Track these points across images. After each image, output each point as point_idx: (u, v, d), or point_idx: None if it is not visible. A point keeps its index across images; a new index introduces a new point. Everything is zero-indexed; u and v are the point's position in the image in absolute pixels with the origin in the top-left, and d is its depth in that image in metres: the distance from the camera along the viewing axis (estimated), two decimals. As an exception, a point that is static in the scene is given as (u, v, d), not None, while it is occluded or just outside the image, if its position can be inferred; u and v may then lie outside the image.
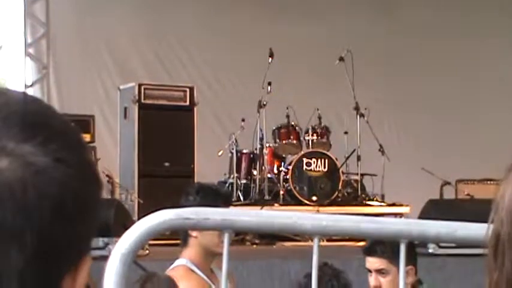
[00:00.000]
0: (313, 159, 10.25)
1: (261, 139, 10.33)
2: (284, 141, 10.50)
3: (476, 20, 12.87)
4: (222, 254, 1.57)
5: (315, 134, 10.57)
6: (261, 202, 9.84)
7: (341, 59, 10.63)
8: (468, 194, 10.37)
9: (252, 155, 10.43)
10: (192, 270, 4.03)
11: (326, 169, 10.24)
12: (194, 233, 3.99)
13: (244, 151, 10.43)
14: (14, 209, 0.86)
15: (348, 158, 10.69)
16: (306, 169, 10.22)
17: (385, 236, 1.70)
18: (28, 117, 0.90)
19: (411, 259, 3.95)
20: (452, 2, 12.83)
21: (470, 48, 12.90)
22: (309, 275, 4.34)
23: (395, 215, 10.17)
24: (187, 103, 10.14)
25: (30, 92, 10.91)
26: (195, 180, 9.52)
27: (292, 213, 1.54)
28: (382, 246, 4.03)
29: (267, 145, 10.38)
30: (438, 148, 12.21)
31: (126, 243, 1.70)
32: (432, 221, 1.81)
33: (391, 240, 3.13)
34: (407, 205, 10.25)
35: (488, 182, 11.06)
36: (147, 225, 1.69)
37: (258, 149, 10.34)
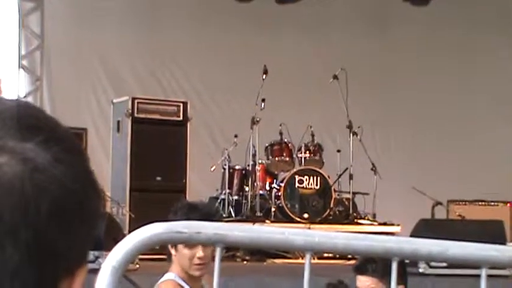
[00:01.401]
0: (306, 177, 10.25)
1: (254, 155, 10.33)
2: (277, 158, 10.50)
3: (471, 37, 12.92)
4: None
5: (307, 152, 10.58)
6: (252, 218, 9.82)
7: (335, 77, 10.65)
8: (460, 215, 10.38)
9: (244, 171, 10.42)
10: (181, 285, 4.01)
11: (318, 187, 10.24)
12: (173, 251, 4.00)
13: (237, 167, 10.43)
14: (11, 203, 0.86)
15: (340, 176, 10.69)
16: (298, 186, 10.21)
17: (377, 254, 1.69)
18: (28, 119, 0.90)
19: (402, 278, 3.94)
20: (445, 19, 12.88)
21: (465, 66, 12.95)
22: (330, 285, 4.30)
23: (386, 234, 10.16)
24: (181, 118, 10.13)
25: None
26: (187, 195, 9.52)
27: (285, 229, 1.53)
28: (373, 264, 4.02)
29: (260, 162, 10.38)
30: (430, 168, 12.22)
31: (117, 257, 1.69)
32: (424, 239, 1.80)
33: (382, 259, 3.13)
34: (398, 224, 10.25)
35: (480, 203, 11.08)
36: (138, 238, 1.68)
37: (250, 165, 10.34)
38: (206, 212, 4.07)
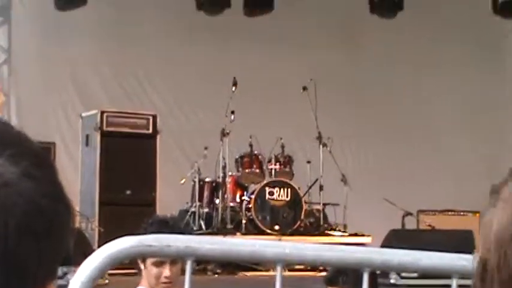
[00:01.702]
0: (276, 189, 10.25)
1: (224, 168, 10.31)
2: (247, 170, 10.49)
3: (437, 48, 13.02)
4: None
5: (277, 163, 10.58)
6: (223, 231, 9.80)
7: (304, 88, 10.68)
8: (429, 225, 10.43)
9: (214, 184, 10.40)
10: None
11: (289, 198, 10.24)
12: (142, 266, 3.99)
13: (207, 180, 10.40)
14: None
15: (310, 187, 10.70)
16: (268, 198, 10.21)
17: (347, 265, 1.69)
18: None
19: (373, 289, 3.94)
20: (413, 30, 12.96)
21: (434, 79, 13.05)
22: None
23: (357, 245, 10.19)
24: (150, 131, 10.10)
25: (-9, 118, 10.79)
26: (157, 209, 9.48)
27: (256, 241, 1.52)
28: (344, 276, 4.02)
29: (230, 174, 10.37)
30: (400, 178, 12.27)
31: (86, 271, 1.68)
32: (395, 250, 1.80)
33: (353, 270, 3.13)
34: (369, 235, 10.28)
35: (449, 213, 11.15)
36: (108, 252, 1.67)
37: (220, 177, 10.32)
38: (176, 226, 4.06)
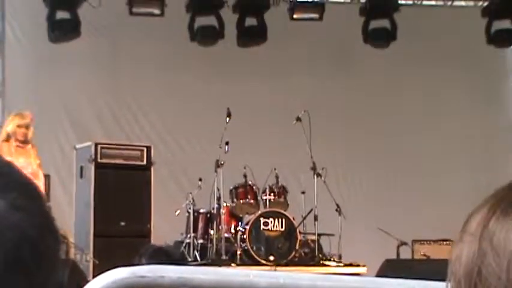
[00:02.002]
0: (271, 219, 10.22)
1: (218, 199, 10.30)
2: (241, 201, 10.48)
3: (432, 76, 13.07)
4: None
5: (272, 194, 10.57)
6: (218, 262, 9.76)
7: (298, 119, 10.69)
8: (424, 254, 10.41)
9: (209, 215, 10.38)
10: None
11: (283, 229, 10.21)
12: None
13: (201, 211, 10.38)
14: None
15: (305, 217, 10.68)
16: (263, 229, 10.18)
17: (342, 295, 1.68)
18: None
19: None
20: (409, 62, 13.02)
21: (427, 108, 13.09)
22: None
23: (352, 275, 10.15)
24: (144, 162, 10.10)
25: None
26: (152, 240, 9.45)
27: (250, 271, 1.52)
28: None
29: (224, 204, 10.35)
30: (395, 208, 12.26)
31: (80, 303, 1.67)
32: (390, 279, 1.80)
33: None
34: (364, 265, 10.24)
35: (444, 243, 11.13)
36: (101, 284, 1.66)
37: (215, 208, 10.30)
38: (171, 255, 4.06)
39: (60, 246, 0.94)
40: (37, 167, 8.96)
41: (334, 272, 9.95)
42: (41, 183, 8.82)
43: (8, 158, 7.86)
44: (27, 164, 8.74)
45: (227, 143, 10.22)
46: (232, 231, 10.39)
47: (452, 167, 12.76)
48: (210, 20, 12.19)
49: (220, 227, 10.24)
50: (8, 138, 8.96)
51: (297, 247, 10.24)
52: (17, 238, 0.86)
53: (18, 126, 8.96)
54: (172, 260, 3.97)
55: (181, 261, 4.79)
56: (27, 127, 8.98)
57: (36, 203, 0.91)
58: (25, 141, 8.96)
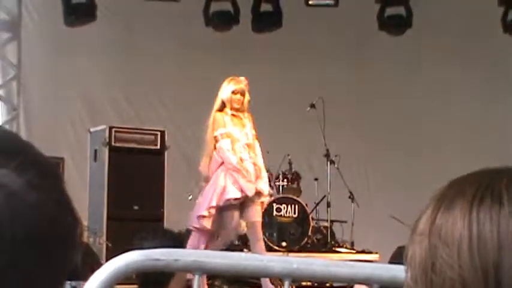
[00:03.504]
0: (284, 205, 10.23)
1: (232, 184, 10.29)
2: (254, 187, 10.47)
3: (449, 69, 13.02)
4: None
5: (285, 180, 10.58)
6: (230, 247, 9.78)
7: (312, 105, 10.68)
8: (437, 242, 10.38)
9: (222, 200, 10.38)
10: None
11: (296, 215, 10.22)
12: None
13: (214, 196, 10.38)
14: None
15: (317, 204, 10.69)
16: (276, 215, 10.20)
17: (356, 280, 1.69)
18: (3, 144, 0.89)
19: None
20: (424, 50, 12.97)
21: (443, 97, 13.03)
22: None
23: (364, 262, 10.15)
24: (158, 147, 10.11)
25: None
26: (165, 224, 9.48)
27: (263, 256, 1.52)
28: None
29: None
30: (408, 196, 12.23)
31: (93, 285, 1.68)
32: (401, 266, 1.80)
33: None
34: (376, 252, 10.25)
35: (457, 231, 11.11)
36: (115, 266, 1.67)
37: (228, 194, 10.30)
38: (178, 240, 4.05)
39: (78, 224, 0.94)
40: (253, 138, 8.35)
41: (346, 259, 9.97)
42: (259, 155, 8.30)
43: (220, 130, 7.49)
44: (243, 135, 8.22)
45: (241, 129, 10.21)
46: (245, 216, 10.39)
47: (468, 155, 12.67)
48: (225, 5, 12.18)
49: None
50: (222, 107, 8.37)
51: (310, 233, 10.26)
52: (34, 216, 0.87)
53: (233, 92, 8.33)
54: (180, 244, 3.97)
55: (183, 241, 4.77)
56: (242, 93, 8.33)
57: (54, 182, 0.92)
58: (240, 109, 8.31)
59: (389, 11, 12.57)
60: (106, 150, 9.81)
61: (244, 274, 1.51)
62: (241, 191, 7.96)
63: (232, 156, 8.05)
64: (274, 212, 10.21)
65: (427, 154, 12.79)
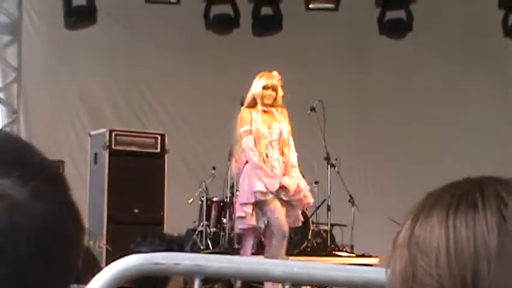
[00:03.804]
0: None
1: (232, 187, 10.30)
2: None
3: (449, 72, 13.01)
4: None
5: (285, 183, 10.56)
6: (230, 251, 9.78)
7: (312, 109, 10.67)
8: (437, 246, 10.37)
9: (222, 203, 10.39)
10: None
11: (296, 219, 10.20)
12: None
13: (214, 199, 10.39)
14: None
15: (318, 208, 10.67)
16: (276, 218, 10.17)
17: (355, 284, 1.69)
18: (6, 153, 0.89)
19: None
20: (425, 54, 12.97)
21: (443, 100, 13.03)
22: None
23: (364, 266, 10.14)
24: (158, 150, 10.11)
25: None
26: (165, 228, 9.48)
27: (264, 260, 1.52)
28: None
29: (238, 193, 10.34)
30: (408, 199, 12.20)
31: (95, 288, 1.68)
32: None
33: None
34: (376, 256, 10.24)
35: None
36: (115, 270, 1.67)
37: (228, 197, 10.31)
38: (176, 243, 4.04)
39: (82, 233, 0.94)
40: (287, 134, 8.04)
41: (346, 263, 9.96)
42: (291, 152, 8.05)
43: (244, 127, 7.32)
44: (273, 131, 7.95)
45: (241, 132, 10.20)
46: (245, 220, 10.39)
47: (469, 159, 12.69)
48: (226, 9, 12.18)
49: (233, 216, 10.24)
50: (254, 103, 8.06)
51: (310, 237, 10.25)
52: (38, 227, 0.86)
53: (264, 87, 8.04)
54: (178, 248, 3.95)
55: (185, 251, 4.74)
56: (274, 88, 8.05)
57: (58, 191, 0.91)
58: (273, 105, 8.00)
59: (390, 14, 12.57)
60: (106, 154, 9.81)
61: (245, 278, 1.51)
62: (266, 187, 7.82)
63: (254, 154, 7.92)
64: (274, 216, 10.19)
65: (428, 157, 12.78)
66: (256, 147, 7.93)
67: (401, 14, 12.54)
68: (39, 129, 11.82)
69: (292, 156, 8.13)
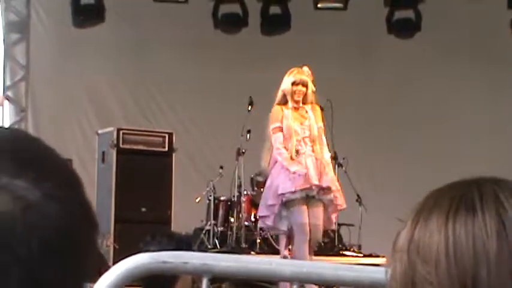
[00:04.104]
0: (291, 208, 10.21)
1: (239, 187, 10.30)
2: (262, 189, 10.46)
3: (458, 72, 12.98)
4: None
5: (292, 183, 10.54)
6: (237, 250, 9.78)
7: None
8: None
9: (229, 203, 10.39)
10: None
11: (303, 218, 10.19)
12: None
13: (222, 198, 10.39)
14: (2, 243, 0.84)
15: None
16: (283, 218, 10.17)
17: (364, 284, 1.68)
18: (21, 153, 0.89)
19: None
20: (433, 53, 12.95)
21: (452, 100, 13.00)
22: None
23: (372, 266, 10.13)
24: (166, 149, 10.12)
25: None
26: (172, 227, 9.48)
27: (272, 259, 1.52)
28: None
29: (245, 193, 10.35)
30: (416, 198, 12.17)
31: (103, 287, 1.68)
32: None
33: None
34: (383, 256, 10.22)
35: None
36: (124, 268, 1.67)
37: (235, 196, 10.31)
38: (185, 243, 4.04)
39: (96, 234, 0.94)
40: (318, 131, 7.80)
41: (354, 263, 9.94)
42: (324, 149, 7.83)
43: (274, 124, 7.17)
44: (304, 128, 7.74)
45: (249, 131, 10.21)
46: (252, 219, 10.39)
47: (475, 159, 12.66)
48: (234, 8, 12.18)
49: (240, 215, 10.25)
50: (284, 100, 7.86)
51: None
52: (52, 229, 0.86)
53: (294, 83, 7.83)
54: (186, 247, 3.95)
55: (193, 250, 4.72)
56: (304, 84, 7.85)
57: (72, 192, 0.91)
58: (303, 101, 7.81)
59: (398, 14, 12.56)
60: (114, 152, 9.82)
61: (254, 277, 1.51)
62: (292, 184, 7.54)
63: (278, 152, 7.71)
64: (282, 215, 10.19)
65: (437, 157, 12.75)
66: (288, 144, 7.79)
67: (409, 13, 12.53)
68: (47, 127, 11.83)
69: (326, 153, 7.95)
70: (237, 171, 10.31)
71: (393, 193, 12.44)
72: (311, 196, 7.69)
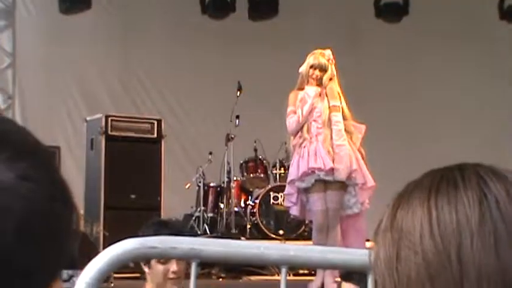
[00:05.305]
0: (281, 193, 10.22)
1: (229, 172, 10.31)
2: (251, 175, 10.48)
3: (446, 56, 12.99)
4: None
5: (282, 168, 10.56)
6: (227, 236, 9.79)
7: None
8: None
9: (219, 189, 10.39)
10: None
11: (293, 203, 10.21)
12: (146, 268, 3.97)
13: (212, 184, 10.40)
14: None
15: (315, 192, 10.66)
16: (273, 203, 10.20)
17: (352, 267, 1.68)
18: None
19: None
20: (421, 37, 12.94)
21: (440, 84, 13.02)
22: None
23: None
24: (155, 135, 10.09)
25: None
26: (162, 213, 9.47)
27: (260, 244, 1.52)
28: (362, 274, 3.99)
29: (234, 178, 10.36)
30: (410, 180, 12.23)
31: (91, 272, 1.67)
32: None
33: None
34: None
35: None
36: (112, 254, 1.66)
37: (225, 182, 10.32)
38: (177, 229, 4.05)
39: (73, 216, 0.92)
40: (328, 115, 7.72)
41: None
42: (341, 128, 7.76)
43: (290, 108, 7.15)
44: (318, 111, 7.63)
45: (237, 117, 10.21)
46: (242, 205, 10.41)
47: (471, 146, 12.66)
48: (222, -7, 12.14)
49: (230, 201, 10.26)
50: (303, 84, 7.68)
51: (307, 221, 10.26)
52: (26, 210, 0.85)
53: (312, 67, 7.69)
54: (178, 233, 3.95)
55: (187, 234, 4.75)
56: (321, 68, 7.69)
57: (48, 172, 0.89)
58: (319, 86, 7.64)
59: (386, -2, 12.55)
60: (102, 139, 9.79)
61: (242, 262, 1.51)
62: (305, 166, 7.41)
63: (291, 135, 7.68)
64: (271, 200, 10.21)
65: (427, 141, 12.77)
66: (302, 127, 7.75)
67: (397, -3, 12.52)
68: (35, 114, 11.79)
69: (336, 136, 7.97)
70: (226, 157, 10.31)
71: (385, 179, 12.41)
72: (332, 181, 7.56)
